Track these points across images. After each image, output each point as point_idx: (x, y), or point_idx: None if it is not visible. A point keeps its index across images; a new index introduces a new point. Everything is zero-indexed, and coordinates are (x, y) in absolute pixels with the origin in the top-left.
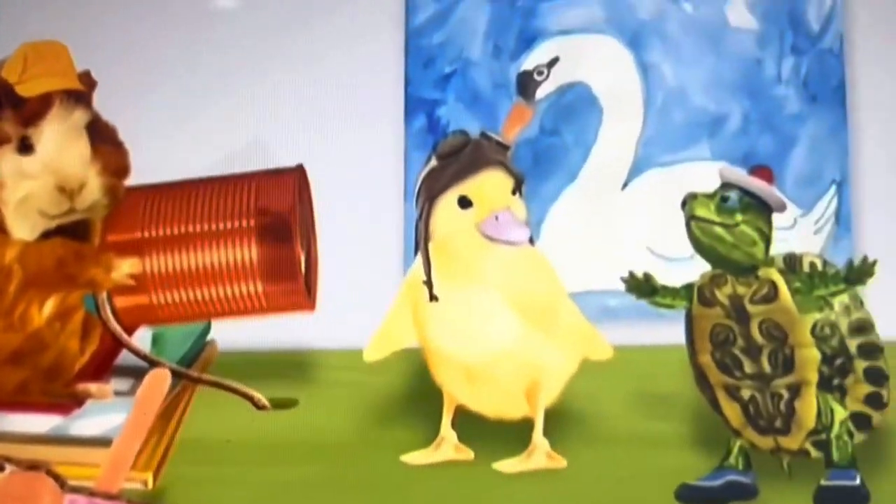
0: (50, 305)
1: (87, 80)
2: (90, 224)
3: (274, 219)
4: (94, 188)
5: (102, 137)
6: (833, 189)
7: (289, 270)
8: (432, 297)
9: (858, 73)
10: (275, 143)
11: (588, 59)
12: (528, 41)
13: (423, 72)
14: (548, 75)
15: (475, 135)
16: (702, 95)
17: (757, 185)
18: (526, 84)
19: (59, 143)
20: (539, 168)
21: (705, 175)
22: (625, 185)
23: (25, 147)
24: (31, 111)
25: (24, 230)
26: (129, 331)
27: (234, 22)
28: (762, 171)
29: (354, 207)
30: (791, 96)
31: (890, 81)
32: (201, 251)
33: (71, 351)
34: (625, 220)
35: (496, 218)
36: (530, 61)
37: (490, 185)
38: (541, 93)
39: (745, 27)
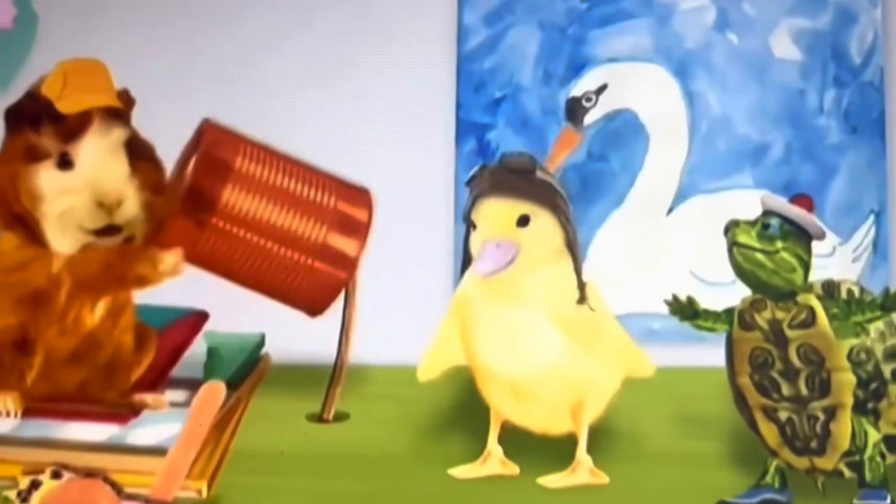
0: (101, 307)
1: (126, 98)
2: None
3: (350, 220)
4: (132, 204)
5: (140, 154)
6: (871, 219)
7: (350, 245)
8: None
9: None
10: (337, 165)
11: (635, 86)
12: (577, 68)
13: (474, 96)
14: (596, 101)
15: (494, 161)
16: (745, 124)
17: (797, 213)
18: (574, 110)
19: (98, 160)
20: (586, 192)
21: (748, 202)
22: (669, 210)
23: (65, 163)
24: (70, 128)
25: (64, 244)
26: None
27: (289, 47)
28: (803, 199)
29: (406, 228)
30: (832, 127)
31: None
32: (284, 203)
33: (126, 346)
34: (669, 244)
35: (482, 252)
36: (579, 88)
37: (484, 214)
38: (589, 119)
39: (788, 58)
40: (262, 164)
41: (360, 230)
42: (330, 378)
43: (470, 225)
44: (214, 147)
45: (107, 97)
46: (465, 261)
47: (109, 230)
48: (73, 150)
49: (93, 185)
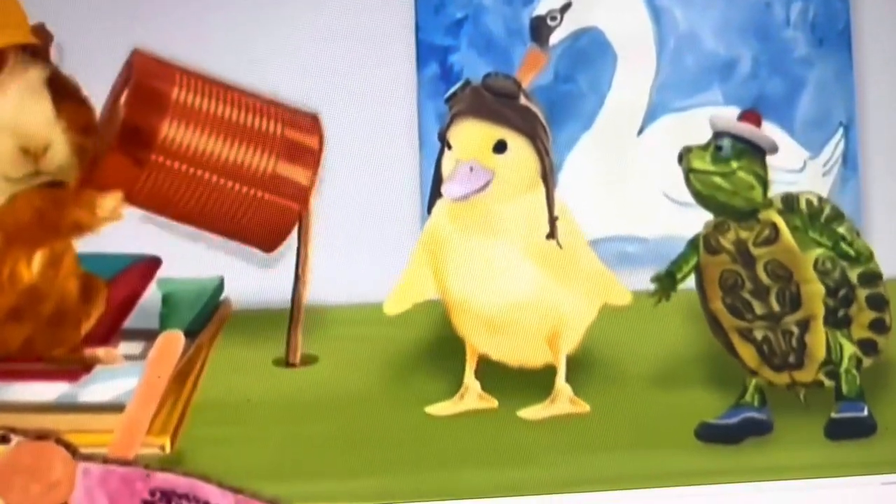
0: (38, 259)
1: (42, 33)
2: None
3: (299, 147)
4: (60, 148)
5: (65, 93)
6: (840, 131)
7: (301, 174)
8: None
9: (863, 16)
10: (286, 92)
11: (600, 3)
12: None
13: (433, 18)
14: (561, 20)
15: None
16: (713, 39)
17: (747, 129)
18: (539, 29)
19: (18, 102)
20: (555, 115)
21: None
22: (640, 131)
23: None
24: None
25: None
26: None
27: None
28: (750, 115)
29: (368, 158)
30: (799, 39)
31: (894, 24)
32: (227, 134)
33: (70, 294)
34: (641, 166)
35: (454, 173)
36: (543, 6)
37: (461, 135)
38: (554, 38)
39: None
40: (202, 93)
41: (310, 157)
42: (289, 319)
43: (445, 144)
44: (148, 78)
45: (21, 33)
46: (436, 180)
47: (36, 177)
48: None
49: (14, 129)
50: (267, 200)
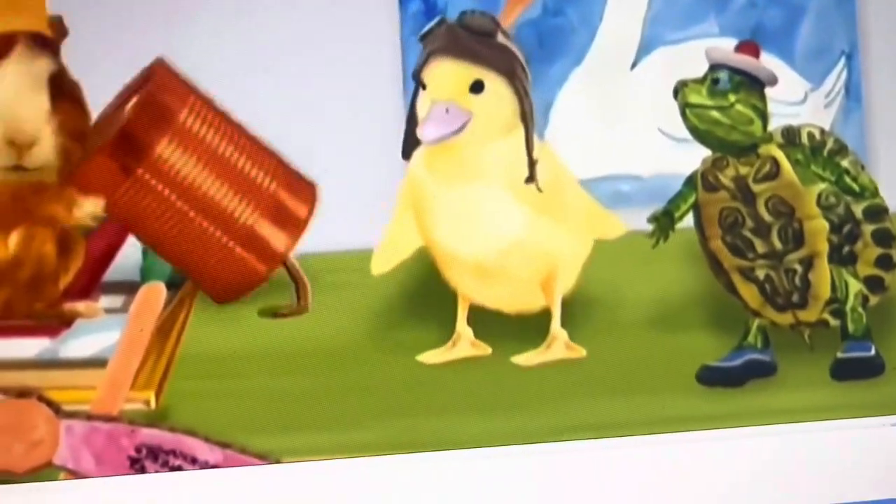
0: (14, 239)
1: (58, 27)
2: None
3: (286, 211)
4: (46, 147)
5: (65, 93)
6: (843, 61)
7: (279, 239)
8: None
9: None
10: (262, 37)
11: None
12: None
13: None
14: None
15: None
16: None
17: (745, 61)
18: None
19: (16, 91)
20: (544, 51)
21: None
22: (633, 65)
23: None
24: None
25: None
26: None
27: None
28: (748, 46)
29: (351, 99)
30: None
31: None
32: (219, 173)
33: (48, 257)
34: (634, 101)
35: (430, 115)
36: None
37: (436, 74)
38: None
39: None
40: (208, 124)
41: (294, 226)
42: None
43: (419, 84)
44: (162, 92)
45: (36, 21)
46: (411, 121)
47: (16, 172)
48: None
49: (5, 117)
50: (237, 254)
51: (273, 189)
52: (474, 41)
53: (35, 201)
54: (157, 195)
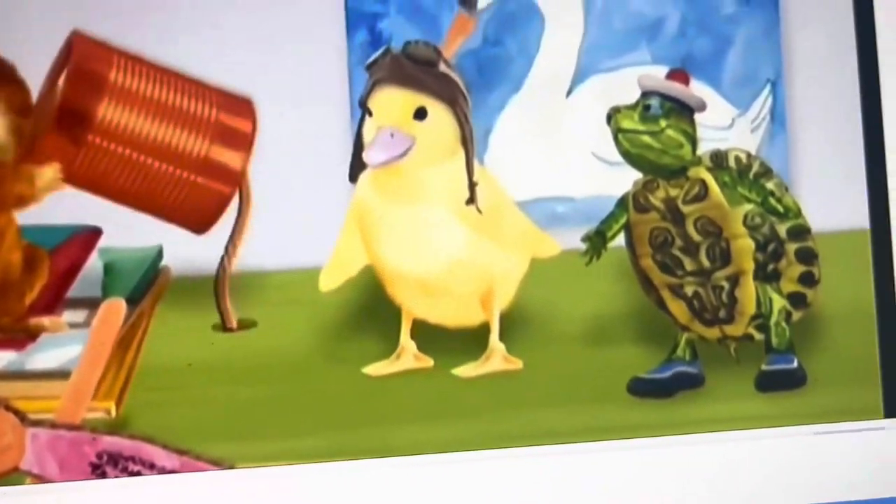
0: None
1: None
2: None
3: (233, 132)
4: None
5: (2, 75)
6: (768, 88)
7: (233, 157)
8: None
9: None
10: (215, 59)
11: None
12: None
13: None
14: None
15: (397, 48)
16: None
17: (675, 88)
18: None
19: None
20: (484, 79)
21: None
22: (569, 92)
23: None
24: None
25: None
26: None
27: None
28: (678, 74)
29: (299, 125)
30: None
31: None
32: (162, 117)
33: (14, 265)
34: (570, 127)
35: (375, 140)
36: None
37: (381, 102)
38: (482, 2)
39: None
40: (138, 76)
41: (243, 141)
42: (214, 286)
43: (365, 111)
44: (86, 60)
45: None
46: (357, 146)
47: None
48: None
49: None
50: (199, 183)
51: (214, 116)
52: (418, 70)
53: None
54: (112, 154)
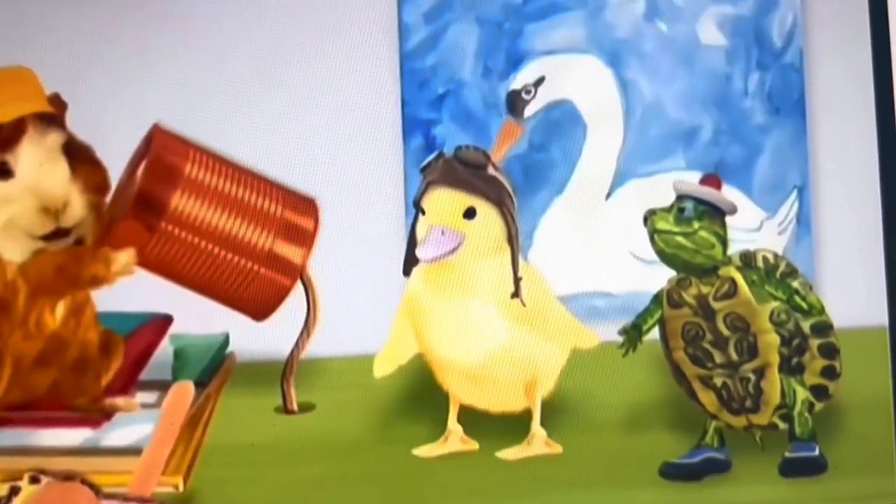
0: (61, 308)
1: (58, 103)
2: (83, 243)
3: (296, 229)
4: (77, 206)
5: (79, 157)
6: (795, 194)
7: (295, 253)
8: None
9: (817, 86)
10: (280, 167)
11: (572, 77)
12: (515, 62)
13: (418, 93)
14: (535, 94)
15: (449, 152)
16: (676, 109)
17: (708, 192)
18: (515, 103)
19: (38, 166)
20: (529, 182)
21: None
22: (608, 195)
23: (4, 172)
24: (5, 136)
25: (14, 253)
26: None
27: (235, 53)
28: (711, 179)
29: (357, 224)
30: (757, 108)
31: (845, 92)
32: (231, 210)
33: (91, 343)
34: (609, 227)
35: (427, 237)
36: (518, 81)
37: (433, 201)
38: (529, 111)
39: (714, 44)
40: (211, 170)
41: (305, 238)
42: (282, 371)
43: (419, 210)
44: (164, 152)
45: (38, 103)
46: (411, 243)
47: (58, 234)
48: (11, 158)
49: (35, 191)
50: (262, 275)
51: (280, 212)
52: (468, 173)
53: (76, 268)
54: (183, 242)
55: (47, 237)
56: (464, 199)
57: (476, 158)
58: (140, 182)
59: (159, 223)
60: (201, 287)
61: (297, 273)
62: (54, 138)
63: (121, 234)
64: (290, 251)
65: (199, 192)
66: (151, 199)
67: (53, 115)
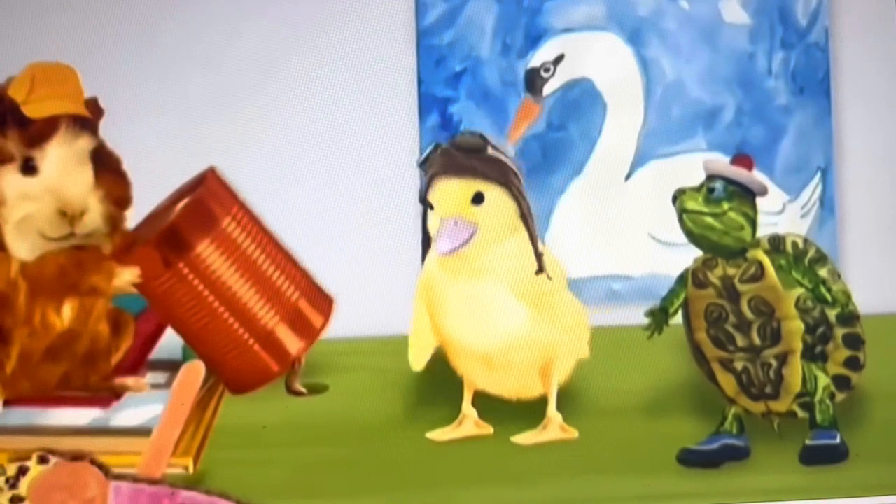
0: (68, 309)
1: (95, 108)
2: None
3: (304, 321)
4: (95, 215)
5: (106, 166)
6: (818, 175)
7: (293, 343)
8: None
9: (842, 65)
10: (292, 145)
11: (591, 55)
12: (534, 39)
13: (434, 71)
14: (554, 72)
15: (445, 142)
16: (698, 88)
17: (739, 173)
18: (533, 81)
19: (63, 167)
20: (547, 162)
21: (702, 165)
22: (628, 176)
23: (29, 168)
24: (36, 132)
25: (22, 250)
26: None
27: (247, 31)
28: (743, 159)
29: (372, 204)
30: (780, 88)
31: (871, 73)
32: (249, 278)
33: (102, 335)
34: (628, 209)
35: (441, 231)
36: (537, 58)
37: (440, 194)
38: (548, 89)
39: (738, 22)
40: (247, 233)
41: (309, 334)
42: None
43: (427, 205)
44: (209, 198)
45: (75, 105)
46: (425, 241)
47: (69, 239)
48: (38, 155)
49: (56, 192)
50: (254, 351)
51: (295, 298)
52: (468, 158)
53: (78, 275)
54: (192, 289)
55: (58, 239)
56: (469, 186)
57: (473, 143)
58: (175, 216)
59: (178, 262)
60: (191, 338)
61: (289, 363)
62: (84, 143)
63: (137, 257)
64: (289, 339)
65: (227, 247)
66: (180, 236)
67: (88, 119)
